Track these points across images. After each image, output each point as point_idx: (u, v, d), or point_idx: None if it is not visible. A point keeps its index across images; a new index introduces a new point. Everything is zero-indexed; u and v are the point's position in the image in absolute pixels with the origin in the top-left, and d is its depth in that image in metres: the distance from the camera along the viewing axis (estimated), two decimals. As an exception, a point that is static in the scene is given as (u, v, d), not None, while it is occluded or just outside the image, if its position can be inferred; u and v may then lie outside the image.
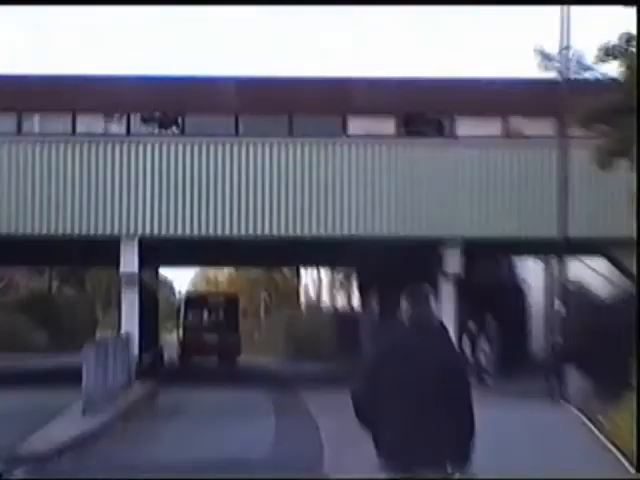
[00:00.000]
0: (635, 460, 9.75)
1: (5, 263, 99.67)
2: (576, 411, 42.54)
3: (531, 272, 70.66)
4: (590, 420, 38.06)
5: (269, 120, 69.65)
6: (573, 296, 59.53)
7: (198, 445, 41.50)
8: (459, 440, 15.51)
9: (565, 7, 56.83)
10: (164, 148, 68.24)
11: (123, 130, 72.13)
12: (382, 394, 15.71)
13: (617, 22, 59.73)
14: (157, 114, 73.45)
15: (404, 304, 17.11)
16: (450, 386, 15.63)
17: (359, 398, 16.31)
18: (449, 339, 17.19)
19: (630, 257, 59.90)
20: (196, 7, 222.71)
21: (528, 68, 70.53)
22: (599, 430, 37.62)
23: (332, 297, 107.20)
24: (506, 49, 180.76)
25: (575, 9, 59.58)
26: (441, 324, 17.68)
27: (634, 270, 60.08)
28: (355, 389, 16.49)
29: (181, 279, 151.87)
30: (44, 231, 64.11)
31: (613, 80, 59.02)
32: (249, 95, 69.07)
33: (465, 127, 71.55)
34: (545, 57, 67.71)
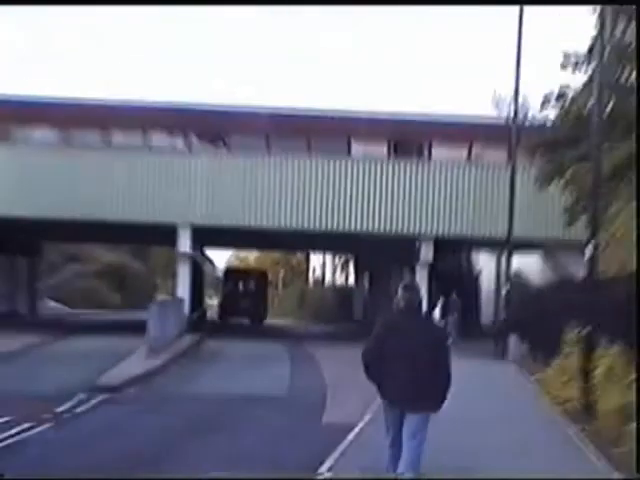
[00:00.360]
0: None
1: (90, 241, 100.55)
2: (514, 365, 43.18)
3: (484, 263, 71.32)
4: (524, 372, 38.63)
5: (294, 142, 70.60)
6: (515, 282, 60.35)
7: (232, 382, 42.17)
8: (438, 389, 18.69)
9: (517, 59, 56.97)
10: (215, 160, 69.18)
11: (182, 145, 73.64)
12: (386, 356, 18.90)
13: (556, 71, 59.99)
14: (209, 134, 74.97)
15: (401, 292, 20.10)
16: (434, 351, 18.77)
17: (368, 360, 19.34)
18: (432, 323, 24.74)
19: (558, 253, 61.13)
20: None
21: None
22: (529, 378, 38.45)
23: (333, 276, 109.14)
24: (474, 90, 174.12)
25: (526, 57, 59.67)
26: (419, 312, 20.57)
27: (561, 262, 61.06)
28: (365, 353, 19.48)
29: (220, 257, 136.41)
30: (120, 217, 64.80)
31: (553, 120, 59.72)
32: (280, 123, 69.74)
33: (438, 152, 72.64)
34: (499, 103, 69.24)
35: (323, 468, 21.57)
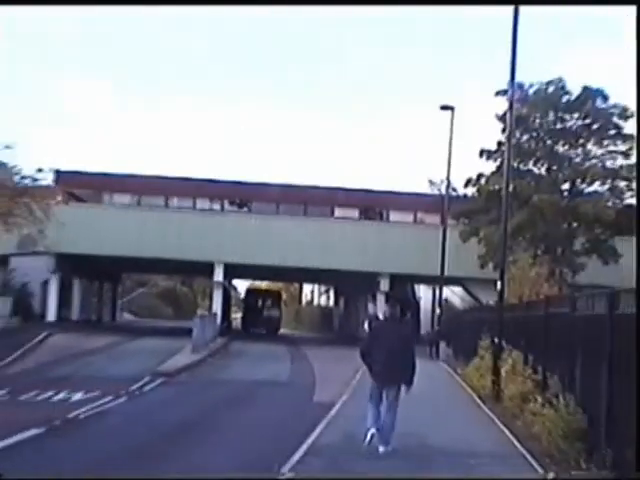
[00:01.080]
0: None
1: (153, 272, 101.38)
2: (443, 364, 42.87)
3: (423, 292, 71.68)
4: (451, 369, 38.37)
5: (294, 207, 71.19)
6: (444, 305, 60.40)
7: (250, 371, 42.24)
8: (408, 373, 20.24)
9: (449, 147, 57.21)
10: (240, 219, 69.27)
11: (217, 207, 74.01)
12: (374, 350, 20.32)
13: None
14: (236, 201, 75.58)
15: (387, 307, 25.29)
16: (406, 347, 20.35)
17: (364, 352, 20.76)
18: (407, 326, 24.74)
19: (475, 287, 61.05)
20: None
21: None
22: (455, 373, 38.18)
23: (319, 299, 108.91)
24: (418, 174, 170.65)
25: (455, 152, 59.82)
26: (403, 319, 25.58)
27: (476, 293, 61.14)
28: (362, 347, 21.15)
29: (242, 285, 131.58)
30: (174, 256, 64.69)
31: (471, 196, 60.09)
32: (285, 193, 70.66)
33: (394, 216, 73.19)
34: (432, 184, 69.63)
35: (317, 431, 21.58)
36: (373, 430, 19.31)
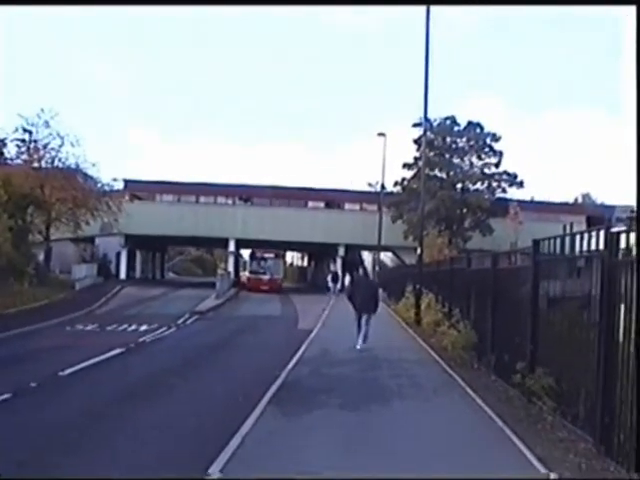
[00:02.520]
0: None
1: (188, 245, 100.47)
2: (382, 304, 42.74)
3: (366, 256, 71.30)
4: (386, 306, 38.39)
5: (281, 201, 70.59)
6: (381, 265, 60.38)
7: (254, 310, 42.05)
8: (375, 305, 22.74)
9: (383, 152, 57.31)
10: (246, 210, 68.40)
11: (230, 202, 73.43)
12: (354, 294, 23.01)
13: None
14: (243, 197, 74.77)
15: (361, 270, 39.92)
16: (373, 291, 23.40)
17: (349, 295, 23.51)
18: (373, 280, 31.22)
19: (401, 252, 60.90)
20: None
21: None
22: (389, 308, 38.09)
23: (300, 262, 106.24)
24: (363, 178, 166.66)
25: (388, 163, 59.82)
26: (368, 275, 35.50)
27: (402, 256, 61.06)
28: (348, 292, 24.43)
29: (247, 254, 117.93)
30: (202, 234, 64.57)
31: (397, 192, 60.32)
32: (276, 192, 70.33)
33: (347, 206, 72.62)
34: (370, 185, 69.71)
35: (302, 348, 21.73)
36: (359, 342, 21.81)
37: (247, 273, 63.34)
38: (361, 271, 47.96)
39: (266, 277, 61.95)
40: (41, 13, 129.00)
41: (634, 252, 9.11)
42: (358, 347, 21.57)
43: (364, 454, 9.66)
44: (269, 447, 10.01)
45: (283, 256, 79.29)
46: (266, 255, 63.75)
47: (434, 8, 28.91)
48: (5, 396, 13.61)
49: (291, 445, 10.12)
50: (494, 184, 60.45)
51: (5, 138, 48.54)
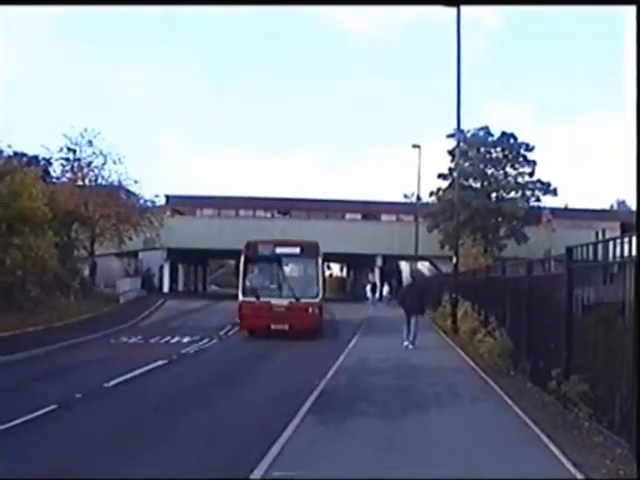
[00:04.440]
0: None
1: (228, 258, 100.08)
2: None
3: (404, 266, 70.98)
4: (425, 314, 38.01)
5: (319, 213, 70.47)
6: (417, 274, 60.18)
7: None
8: (421, 310, 26.00)
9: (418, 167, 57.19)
10: (285, 222, 68.19)
11: (269, 215, 73.54)
12: (405, 299, 25.92)
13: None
14: (282, 210, 74.83)
15: (409, 278, 40.34)
16: (420, 296, 26.30)
17: (401, 300, 26.40)
18: (419, 286, 30.01)
19: (437, 261, 60.60)
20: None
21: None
22: (427, 317, 37.69)
23: (340, 272, 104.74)
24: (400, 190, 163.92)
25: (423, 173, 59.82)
26: (419, 284, 32.38)
27: (440, 267, 60.75)
28: (400, 298, 27.31)
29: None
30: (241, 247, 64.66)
31: (433, 203, 60.28)
32: (312, 205, 70.23)
33: (384, 217, 72.72)
34: (405, 197, 69.54)
35: (341, 358, 21.69)
36: (407, 342, 24.70)
37: (241, 294, 29.82)
38: (410, 279, 47.51)
39: (283, 302, 29.10)
40: (69, 26, 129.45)
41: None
42: (407, 345, 24.59)
43: (401, 461, 9.60)
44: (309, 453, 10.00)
45: (321, 256, 33.03)
46: (284, 250, 30.15)
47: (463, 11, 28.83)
48: (51, 407, 13.70)
49: (330, 452, 10.08)
50: (528, 193, 61.12)
51: (51, 157, 49.21)
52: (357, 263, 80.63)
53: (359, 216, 75.45)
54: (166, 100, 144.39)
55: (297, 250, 30.05)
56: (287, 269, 30.08)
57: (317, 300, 29.20)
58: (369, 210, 75.33)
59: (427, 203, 61.67)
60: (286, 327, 28.42)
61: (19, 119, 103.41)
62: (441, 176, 61.61)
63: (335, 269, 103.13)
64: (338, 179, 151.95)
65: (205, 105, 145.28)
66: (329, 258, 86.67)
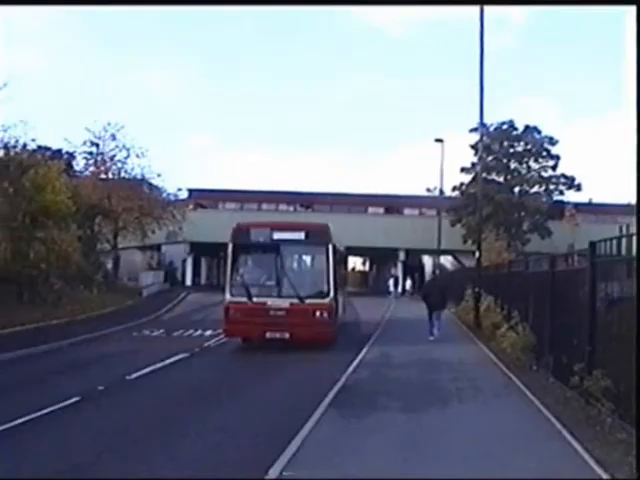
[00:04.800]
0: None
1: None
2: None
3: (426, 260, 70.71)
4: (447, 309, 37.89)
5: (341, 207, 70.33)
6: (440, 268, 59.98)
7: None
8: (443, 305, 26.73)
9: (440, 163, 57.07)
10: (306, 216, 67.30)
11: (292, 209, 73.57)
12: (429, 294, 26.54)
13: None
14: (305, 204, 74.81)
15: (432, 274, 39.95)
16: (443, 292, 27.18)
17: (425, 294, 26.89)
18: (442, 282, 31.85)
19: (460, 256, 60.47)
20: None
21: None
22: (449, 312, 37.45)
23: (362, 266, 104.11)
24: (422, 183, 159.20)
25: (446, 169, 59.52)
26: (441, 279, 33.04)
27: (463, 262, 60.48)
28: (424, 292, 27.63)
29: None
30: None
31: (456, 197, 60.24)
32: (334, 199, 70.15)
33: (407, 211, 72.63)
34: (428, 190, 69.25)
35: (364, 350, 21.78)
36: (431, 337, 25.17)
37: (228, 293, 23.37)
38: (433, 274, 47.52)
39: (282, 303, 22.73)
40: (92, 24, 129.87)
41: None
42: (431, 338, 25.10)
43: (422, 456, 9.59)
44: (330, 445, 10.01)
45: (333, 243, 23.78)
46: (285, 235, 23.51)
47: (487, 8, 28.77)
48: (74, 399, 13.82)
49: (351, 445, 10.05)
50: (551, 187, 60.88)
51: (74, 151, 49.46)
52: (380, 257, 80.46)
53: (382, 210, 75.43)
54: (192, 98, 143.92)
55: (301, 235, 23.18)
56: (288, 260, 23.67)
57: (327, 300, 22.45)
58: (392, 204, 75.20)
59: (450, 197, 61.54)
60: (286, 335, 22.10)
61: (44, 113, 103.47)
62: (464, 170, 61.62)
63: (357, 263, 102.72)
64: (361, 174, 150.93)
65: (231, 103, 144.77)
66: (352, 252, 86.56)
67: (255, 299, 22.42)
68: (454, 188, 61.96)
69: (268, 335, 22.25)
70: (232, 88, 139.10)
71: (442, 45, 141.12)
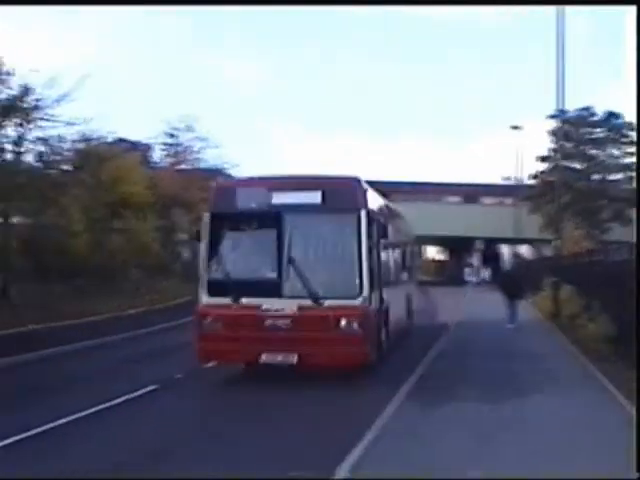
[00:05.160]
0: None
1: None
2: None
3: (504, 249, 70.22)
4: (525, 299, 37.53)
5: (421, 196, 69.95)
6: (518, 257, 59.50)
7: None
8: (521, 294, 27.22)
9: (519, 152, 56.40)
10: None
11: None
12: (506, 282, 27.05)
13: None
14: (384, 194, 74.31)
15: (507, 263, 38.17)
16: (519, 281, 27.61)
17: (501, 284, 27.37)
18: (521, 270, 31.74)
19: (538, 244, 59.72)
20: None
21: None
22: (527, 301, 37.03)
23: (439, 256, 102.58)
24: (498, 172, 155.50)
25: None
26: (518, 268, 32.54)
27: (541, 251, 59.76)
28: (501, 282, 27.95)
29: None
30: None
31: (534, 185, 59.78)
32: (414, 188, 70.19)
33: (484, 200, 72.17)
34: (505, 179, 68.33)
35: (442, 339, 21.67)
36: (510, 325, 25.30)
37: (203, 292, 15.21)
38: (511, 263, 47.09)
39: (287, 307, 14.58)
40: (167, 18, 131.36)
41: None
42: (510, 326, 25.21)
43: (498, 447, 9.49)
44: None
45: (371, 210, 15.75)
46: (290, 198, 15.16)
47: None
48: (152, 387, 14.13)
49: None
50: (632, 174, 59.54)
51: (151, 143, 50.10)
52: (457, 246, 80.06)
53: (459, 199, 74.98)
54: (275, 87, 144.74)
55: (316, 197, 14.96)
56: (296, 238, 15.01)
57: (358, 302, 14.42)
58: (469, 193, 74.68)
59: (528, 185, 60.90)
60: (292, 359, 14.50)
61: (123, 106, 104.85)
62: (542, 158, 60.75)
63: (434, 252, 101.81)
64: (438, 162, 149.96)
65: (314, 91, 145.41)
66: (429, 241, 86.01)
67: (244, 301, 14.65)
68: (532, 176, 61.37)
69: (264, 358, 14.61)
70: (316, 78, 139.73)
71: (520, 31, 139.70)
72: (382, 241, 16.60)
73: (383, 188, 72.87)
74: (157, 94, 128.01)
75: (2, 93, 25.94)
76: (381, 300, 16.22)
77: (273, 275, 14.64)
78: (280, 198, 14.86)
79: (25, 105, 27.30)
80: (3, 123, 26.99)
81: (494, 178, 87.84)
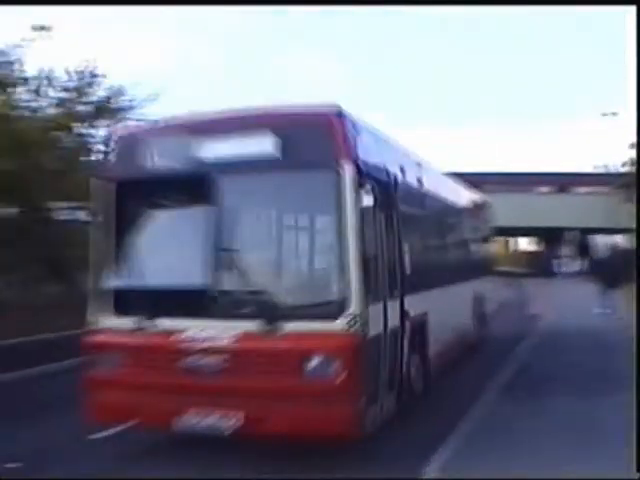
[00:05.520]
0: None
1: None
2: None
3: (599, 239, 69.16)
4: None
5: (510, 187, 69.05)
6: (612, 247, 58.69)
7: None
8: (615, 283, 26.56)
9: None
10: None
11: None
12: (599, 271, 27.71)
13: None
14: (473, 185, 73.71)
15: (602, 252, 35.94)
16: (615, 271, 26.92)
17: (594, 273, 28.68)
18: (616, 260, 29.31)
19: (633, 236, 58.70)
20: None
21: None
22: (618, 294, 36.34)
23: (532, 246, 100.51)
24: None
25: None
26: (612, 257, 31.23)
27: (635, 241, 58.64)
28: (593, 269, 30.93)
29: None
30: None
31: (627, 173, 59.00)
32: (503, 178, 69.48)
33: (577, 189, 71.34)
34: (595, 167, 67.13)
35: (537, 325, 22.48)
36: (598, 309, 25.84)
37: (94, 309, 9.15)
38: (605, 253, 46.15)
39: (224, 332, 8.19)
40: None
41: None
42: (597, 311, 25.78)
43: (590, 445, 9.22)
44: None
45: (354, 169, 8.13)
46: (221, 149, 8.61)
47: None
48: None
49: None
50: None
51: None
52: (548, 237, 79.05)
53: (550, 189, 73.93)
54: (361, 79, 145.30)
55: (268, 145, 8.36)
56: (237, 217, 9.03)
57: (341, 325, 7.92)
58: (560, 182, 73.53)
59: (621, 174, 59.88)
60: (231, 422, 8.17)
61: (209, 102, 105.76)
62: (634, 145, 59.51)
63: (525, 243, 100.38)
64: (528, 151, 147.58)
65: (397, 83, 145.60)
66: (520, 233, 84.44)
67: (157, 322, 8.68)
68: (624, 164, 60.12)
69: (184, 421, 8.43)
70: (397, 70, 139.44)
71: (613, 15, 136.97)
72: (400, 217, 10.10)
73: (473, 179, 72.46)
74: (239, 92, 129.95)
75: (94, 96, 26.62)
76: (403, 314, 9.74)
77: (200, 281, 8.48)
78: (211, 150, 8.75)
79: (115, 106, 28.01)
80: (95, 123, 27.72)
81: (586, 167, 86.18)
